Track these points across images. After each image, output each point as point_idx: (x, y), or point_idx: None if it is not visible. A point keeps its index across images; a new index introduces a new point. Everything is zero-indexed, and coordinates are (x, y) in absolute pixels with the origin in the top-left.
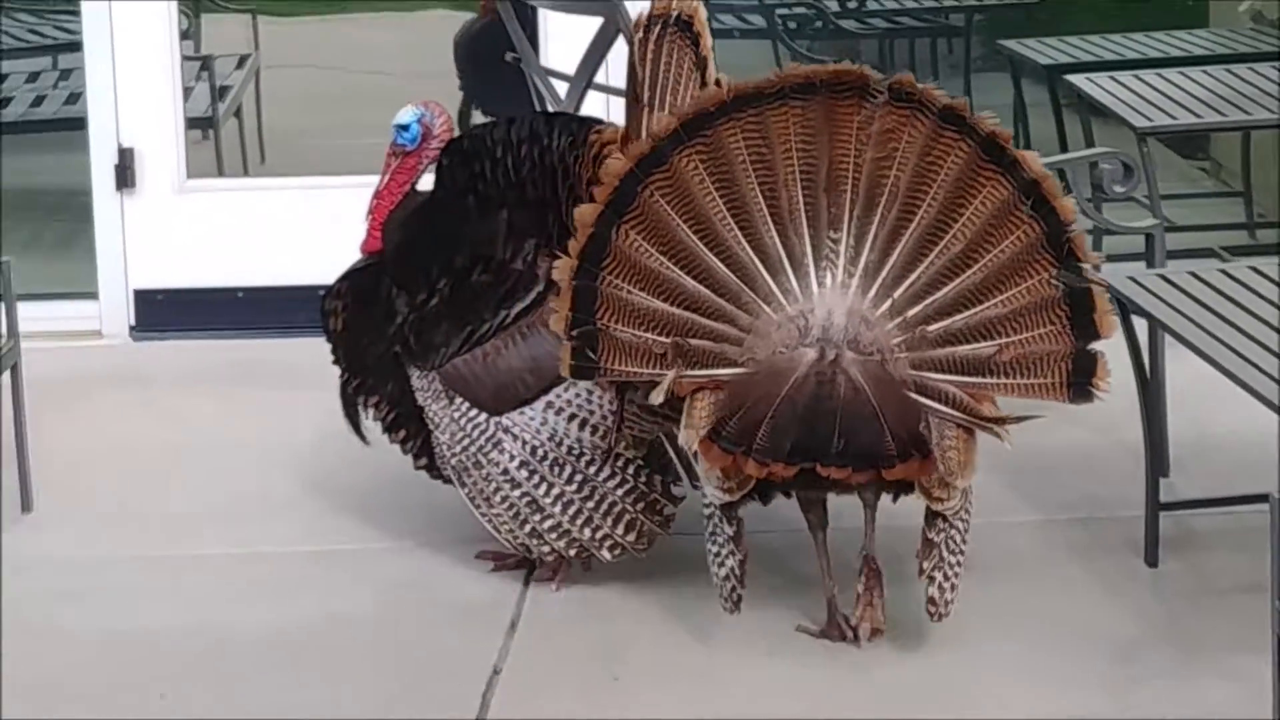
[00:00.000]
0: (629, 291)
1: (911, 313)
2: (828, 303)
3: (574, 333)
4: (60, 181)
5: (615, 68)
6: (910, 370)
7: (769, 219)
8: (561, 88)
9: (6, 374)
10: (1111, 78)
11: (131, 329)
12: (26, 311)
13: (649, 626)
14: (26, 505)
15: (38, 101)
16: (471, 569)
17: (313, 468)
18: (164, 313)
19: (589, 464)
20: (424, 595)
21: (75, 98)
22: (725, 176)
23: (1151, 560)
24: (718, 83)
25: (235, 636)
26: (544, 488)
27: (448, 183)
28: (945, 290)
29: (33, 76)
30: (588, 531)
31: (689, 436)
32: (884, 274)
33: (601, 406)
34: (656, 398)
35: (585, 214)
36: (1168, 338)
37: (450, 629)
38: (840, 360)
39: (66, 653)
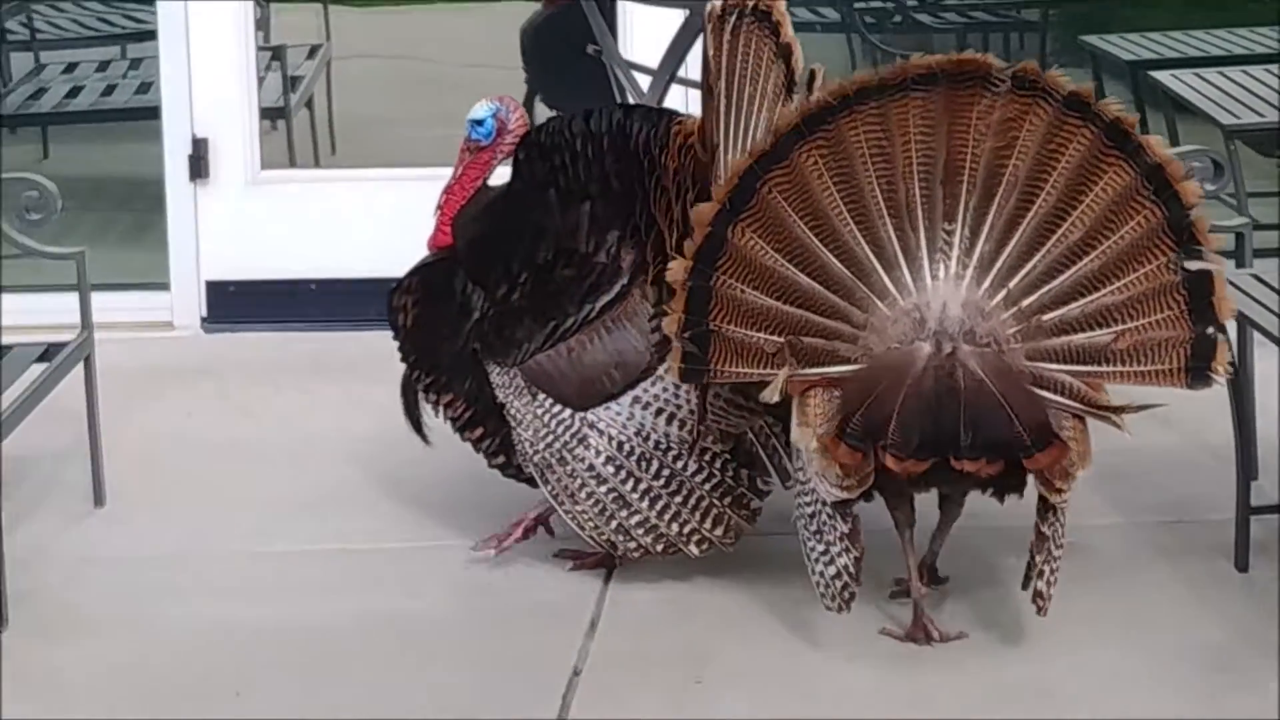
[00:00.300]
0: (743, 291)
1: (1027, 302)
2: (942, 295)
3: (686, 335)
4: (131, 171)
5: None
6: (1026, 361)
7: (885, 212)
8: (643, 81)
9: (79, 366)
10: (1197, 74)
11: (203, 320)
12: (98, 302)
13: (732, 628)
14: (99, 499)
15: (109, 90)
16: (550, 568)
17: (389, 462)
18: (236, 304)
19: (676, 459)
20: (503, 594)
21: (146, 87)
22: (844, 171)
23: (1242, 565)
24: (812, 74)
25: (312, 634)
26: (631, 483)
27: (526, 176)
28: (1062, 278)
29: (103, 65)
30: (675, 527)
31: (804, 435)
32: (1000, 264)
33: (689, 401)
34: (770, 397)
35: (703, 213)
36: (1256, 337)
37: (529, 628)
38: (957, 353)
39: (143, 649)
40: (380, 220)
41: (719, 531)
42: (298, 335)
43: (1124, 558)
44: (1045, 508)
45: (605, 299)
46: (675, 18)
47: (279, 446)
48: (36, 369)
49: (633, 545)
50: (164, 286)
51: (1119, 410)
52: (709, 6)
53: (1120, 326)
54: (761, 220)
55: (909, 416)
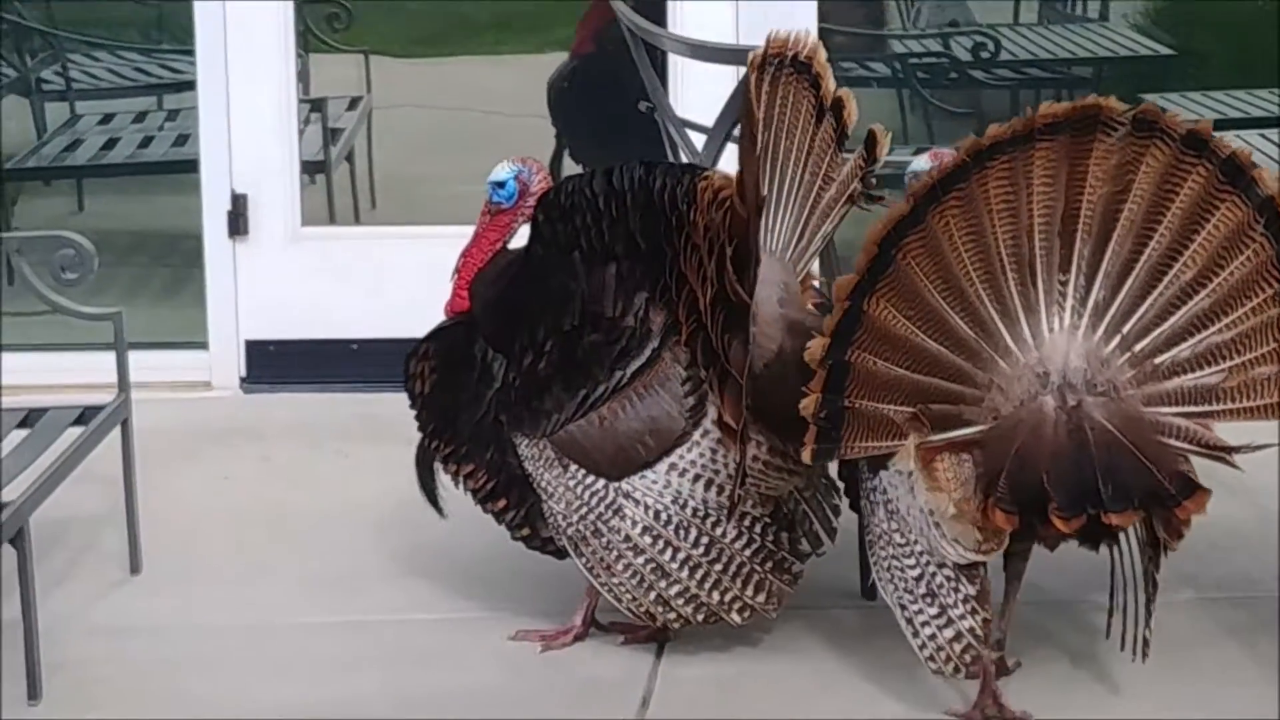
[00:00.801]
0: (876, 363)
1: (1140, 346)
2: (1062, 346)
3: (822, 414)
4: (167, 225)
5: None
6: (1143, 406)
7: (1008, 268)
8: (696, 140)
9: (116, 428)
10: (1262, 135)
11: (242, 380)
12: (134, 360)
13: (789, 708)
14: (135, 567)
15: (145, 143)
16: (598, 643)
17: (433, 530)
18: (275, 364)
19: (715, 525)
20: (550, 669)
21: (184, 139)
22: (974, 229)
23: None
24: (872, 134)
25: (355, 710)
26: (669, 552)
27: (547, 238)
28: (1174, 319)
29: (140, 117)
30: (716, 595)
31: (938, 499)
32: (1114, 309)
33: (726, 465)
34: (906, 467)
35: (842, 286)
36: None
37: (579, 706)
38: (1082, 405)
39: None
40: (423, 278)
41: (761, 598)
42: (339, 396)
43: (1195, 636)
44: (1158, 554)
45: (636, 364)
46: (725, 73)
47: (319, 513)
48: (72, 432)
49: (672, 616)
50: (202, 345)
51: (1234, 450)
52: (750, 56)
53: (1228, 364)
54: (896, 289)
55: (1057, 476)
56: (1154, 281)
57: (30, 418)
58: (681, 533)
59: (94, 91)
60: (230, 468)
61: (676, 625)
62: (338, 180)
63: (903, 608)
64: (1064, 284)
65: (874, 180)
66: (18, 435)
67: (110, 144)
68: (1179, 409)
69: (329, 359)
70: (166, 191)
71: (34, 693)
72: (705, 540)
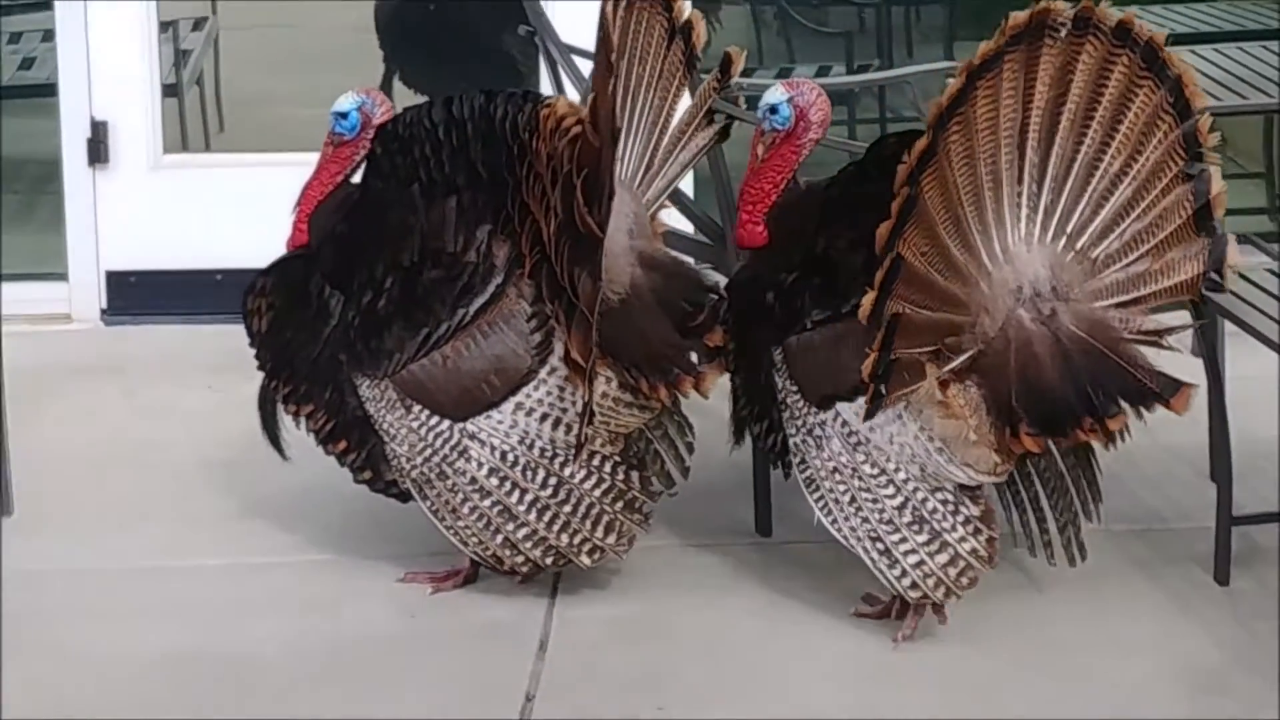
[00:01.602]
0: (909, 310)
1: (1081, 243)
2: (1026, 258)
3: (879, 373)
4: (9, 150)
5: None
6: (1093, 303)
7: (986, 188)
8: (583, 66)
9: None
10: (1193, 51)
11: (103, 312)
12: None
13: (687, 649)
14: (6, 508)
15: None
16: (489, 583)
17: (312, 467)
18: (137, 296)
19: (563, 465)
20: (443, 612)
21: (28, 62)
22: (967, 153)
23: (1222, 578)
24: (727, 56)
25: (240, 659)
26: (516, 494)
27: (386, 170)
28: (1105, 211)
29: None
30: (565, 537)
31: (957, 427)
32: (1060, 210)
33: (574, 403)
34: (927, 404)
35: (882, 237)
36: (1228, 339)
37: (475, 650)
38: (1055, 314)
39: (58, 674)
40: (289, 206)
41: (611, 539)
42: (203, 329)
43: (1099, 569)
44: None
45: (480, 300)
46: None
47: (190, 450)
48: None
49: (520, 559)
50: (61, 277)
51: (1169, 332)
52: None
53: (1149, 246)
54: (919, 228)
55: (1062, 391)
56: (1089, 177)
57: None
58: (529, 474)
59: None
60: (95, 404)
61: (524, 569)
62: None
63: (875, 539)
64: (1019, 194)
65: (734, 102)
66: None
67: None
68: (1118, 300)
69: (193, 290)
70: (9, 116)
71: None
72: (553, 481)
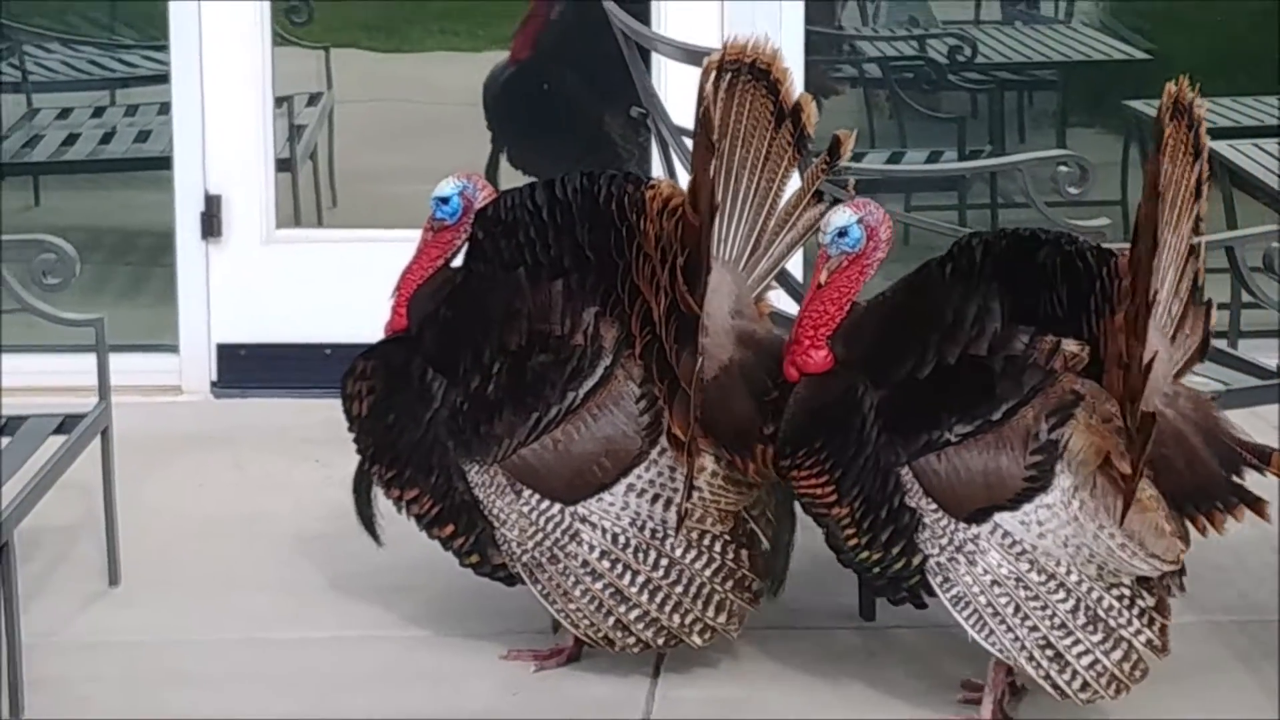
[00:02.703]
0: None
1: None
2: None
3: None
4: (123, 221)
5: None
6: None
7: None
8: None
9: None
10: (1256, 144)
11: (213, 385)
12: None
13: None
14: (114, 578)
15: (106, 139)
16: (592, 660)
17: (417, 542)
18: (247, 368)
19: (674, 546)
20: (546, 690)
21: (144, 135)
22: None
23: None
24: (836, 140)
25: None
26: (628, 576)
27: (490, 254)
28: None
29: (98, 111)
30: (676, 618)
31: (1151, 520)
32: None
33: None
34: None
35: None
36: None
37: None
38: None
39: None
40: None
41: (722, 619)
42: (311, 402)
43: (1200, 661)
44: None
45: (589, 383)
46: None
47: (297, 523)
48: (52, 440)
49: (631, 640)
50: (173, 349)
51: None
52: (706, 59)
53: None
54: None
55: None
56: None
57: (9, 425)
58: (640, 555)
59: (50, 85)
60: (204, 475)
61: (636, 650)
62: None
63: (1044, 646)
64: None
65: (844, 186)
66: None
67: (70, 139)
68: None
69: (301, 363)
70: (123, 188)
71: (15, 710)
72: (664, 562)
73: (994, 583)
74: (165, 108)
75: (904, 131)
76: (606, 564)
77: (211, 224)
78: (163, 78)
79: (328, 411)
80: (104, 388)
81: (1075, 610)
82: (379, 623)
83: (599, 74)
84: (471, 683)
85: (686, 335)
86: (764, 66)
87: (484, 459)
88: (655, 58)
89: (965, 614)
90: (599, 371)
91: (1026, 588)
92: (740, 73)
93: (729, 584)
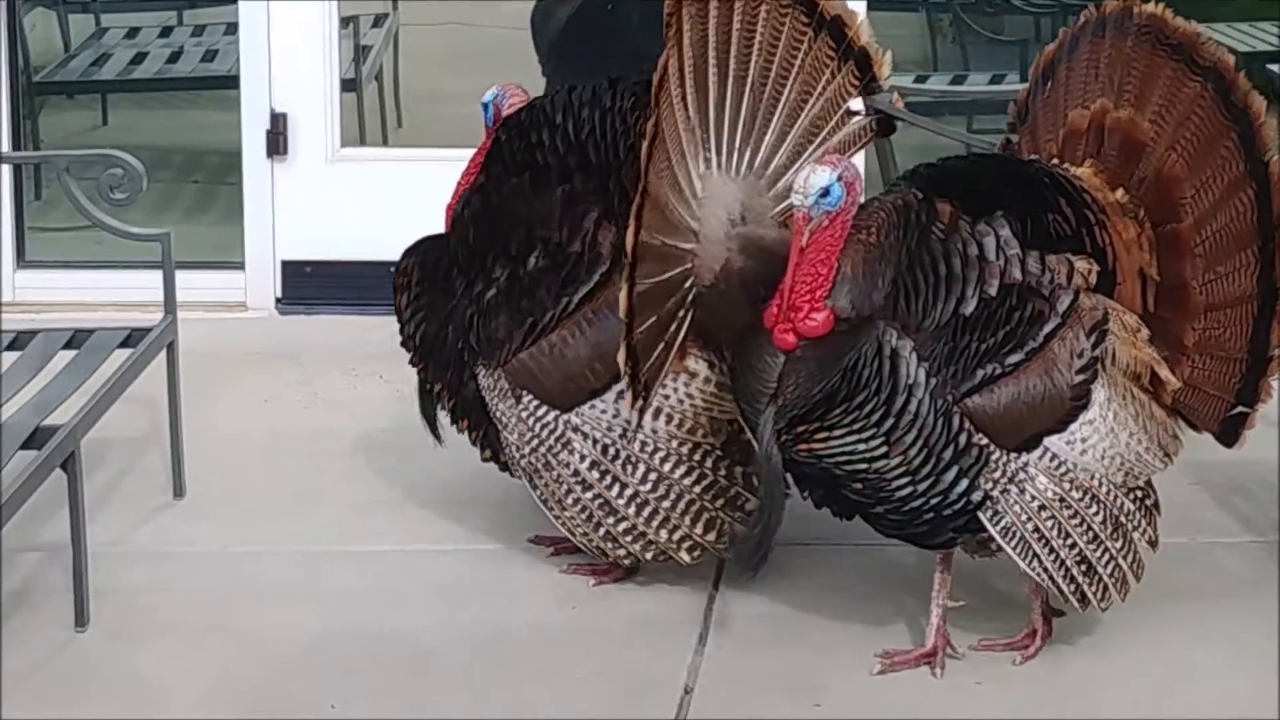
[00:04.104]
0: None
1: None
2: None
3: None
4: (188, 140)
5: None
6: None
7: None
8: None
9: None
10: None
11: (278, 301)
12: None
13: (845, 649)
14: (179, 491)
15: (173, 58)
16: (649, 576)
17: (472, 458)
18: (311, 286)
19: (664, 460)
20: (604, 604)
21: (211, 55)
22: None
23: None
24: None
25: (408, 641)
26: (617, 489)
27: (506, 159)
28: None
29: (165, 31)
30: (664, 533)
31: (1168, 421)
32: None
33: (675, 391)
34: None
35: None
36: None
37: (634, 643)
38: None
39: (226, 654)
40: None
41: (711, 536)
42: (374, 319)
43: (1258, 580)
44: None
45: (584, 289)
46: None
47: (359, 438)
48: (118, 353)
49: (622, 553)
50: (238, 266)
51: None
52: None
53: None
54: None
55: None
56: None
57: (76, 338)
58: (629, 468)
59: (117, 4)
60: (269, 391)
61: (627, 562)
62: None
63: (1080, 561)
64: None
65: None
66: (64, 356)
67: (138, 59)
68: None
69: (365, 281)
70: (190, 106)
71: (81, 619)
72: (653, 476)
73: (1041, 507)
74: (232, 28)
75: (967, 55)
76: (596, 475)
77: (277, 142)
78: None
79: (391, 328)
80: (170, 303)
81: (1105, 521)
82: (443, 536)
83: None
84: (532, 597)
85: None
86: None
87: (490, 363)
88: None
89: (1012, 543)
90: (595, 277)
91: (1068, 507)
92: None
93: (720, 501)
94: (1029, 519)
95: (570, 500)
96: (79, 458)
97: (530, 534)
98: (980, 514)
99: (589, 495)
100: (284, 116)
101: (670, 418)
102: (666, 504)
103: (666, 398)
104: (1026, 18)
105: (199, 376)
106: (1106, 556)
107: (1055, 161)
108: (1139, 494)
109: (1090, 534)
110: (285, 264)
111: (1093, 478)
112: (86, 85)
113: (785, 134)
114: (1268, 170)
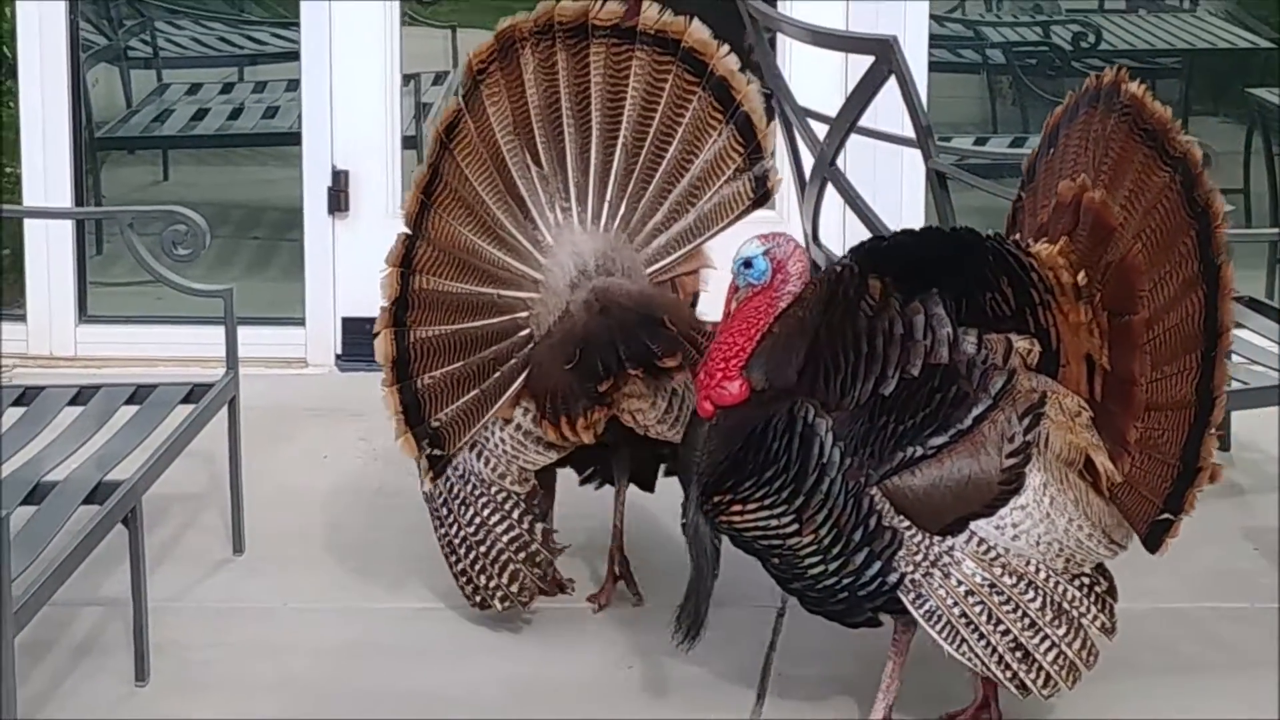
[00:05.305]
0: None
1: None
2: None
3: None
4: (248, 196)
5: (884, 111)
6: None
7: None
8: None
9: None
10: None
11: (338, 358)
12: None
13: (902, 711)
14: (239, 546)
15: (234, 114)
16: (710, 634)
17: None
18: (371, 342)
19: (485, 505)
20: (658, 660)
21: (273, 111)
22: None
23: None
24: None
25: (465, 700)
26: (455, 529)
27: None
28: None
29: (226, 87)
30: (483, 579)
31: (1106, 504)
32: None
33: (494, 435)
34: (1063, 489)
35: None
36: None
37: (693, 703)
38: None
39: (287, 709)
40: None
41: (515, 588)
42: None
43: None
44: None
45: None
46: (835, 61)
47: (418, 495)
48: (179, 409)
49: (467, 593)
50: (299, 322)
51: None
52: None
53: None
54: None
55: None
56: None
57: (138, 394)
58: (463, 509)
59: (180, 60)
60: (328, 447)
61: (474, 606)
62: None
63: (1015, 648)
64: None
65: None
66: (126, 412)
67: (199, 115)
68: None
69: None
70: (251, 163)
71: (141, 673)
72: (477, 520)
73: (968, 592)
74: (293, 84)
75: (1026, 117)
76: (445, 512)
77: (339, 199)
78: (292, 55)
79: None
80: (232, 358)
81: (1044, 608)
82: None
83: None
84: (587, 653)
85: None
86: (672, 36)
87: None
88: (780, 39)
89: (938, 628)
90: None
91: (999, 593)
92: (607, 35)
93: (521, 554)
94: (955, 604)
95: (437, 539)
96: (140, 513)
97: (589, 593)
98: (901, 595)
99: (441, 533)
100: (345, 174)
101: (488, 461)
102: (483, 548)
103: (488, 440)
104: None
105: (259, 432)
106: (1048, 644)
107: (1042, 229)
108: (1086, 580)
109: (1026, 621)
110: (346, 320)
111: (1028, 563)
112: (148, 141)
113: (666, 191)
114: (1219, 274)
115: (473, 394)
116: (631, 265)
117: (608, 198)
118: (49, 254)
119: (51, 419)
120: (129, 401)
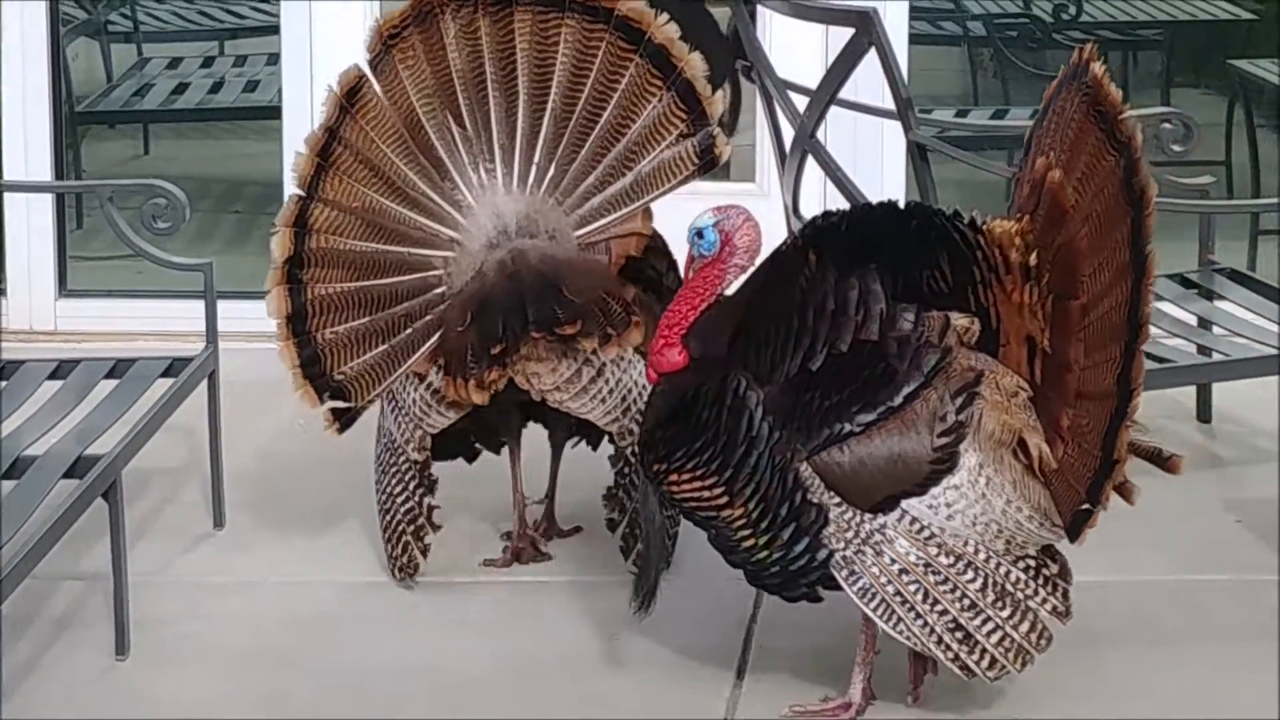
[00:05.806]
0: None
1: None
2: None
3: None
4: (229, 170)
5: (864, 83)
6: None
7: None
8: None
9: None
10: None
11: None
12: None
13: (883, 684)
14: (219, 520)
15: (215, 88)
16: (689, 608)
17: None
18: None
19: (395, 472)
20: (642, 635)
21: (253, 85)
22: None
23: None
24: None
25: (447, 671)
26: (383, 495)
27: None
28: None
29: (207, 61)
30: (388, 546)
31: (1039, 487)
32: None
33: (408, 394)
34: (999, 468)
35: None
36: None
37: (675, 674)
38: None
39: (267, 684)
40: None
41: (405, 559)
42: None
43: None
44: None
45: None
46: (816, 33)
47: None
48: (160, 383)
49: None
50: None
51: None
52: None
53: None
54: None
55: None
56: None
57: (118, 368)
58: (383, 475)
59: (160, 34)
60: (309, 419)
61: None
62: None
63: (954, 629)
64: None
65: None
66: (106, 386)
67: (180, 89)
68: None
69: None
70: (231, 136)
71: (122, 648)
72: (389, 485)
73: (902, 571)
74: (274, 58)
75: (1008, 89)
76: (379, 473)
77: None
78: (272, 28)
79: None
80: (211, 332)
81: (984, 589)
82: (476, 566)
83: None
84: (571, 625)
85: None
86: (604, 5)
87: None
88: (760, 11)
89: (873, 605)
90: None
91: (935, 572)
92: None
93: (411, 526)
94: (889, 581)
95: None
96: (120, 487)
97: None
98: (834, 572)
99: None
100: None
101: (398, 423)
102: (389, 516)
103: (404, 398)
104: (1068, 52)
105: (240, 406)
106: (990, 625)
107: (1023, 205)
108: (1031, 563)
109: (966, 601)
110: None
111: (965, 543)
112: (128, 115)
113: (600, 155)
114: (1145, 263)
115: (381, 349)
116: (558, 227)
117: (535, 160)
118: (29, 228)
119: (31, 393)
120: (109, 376)
